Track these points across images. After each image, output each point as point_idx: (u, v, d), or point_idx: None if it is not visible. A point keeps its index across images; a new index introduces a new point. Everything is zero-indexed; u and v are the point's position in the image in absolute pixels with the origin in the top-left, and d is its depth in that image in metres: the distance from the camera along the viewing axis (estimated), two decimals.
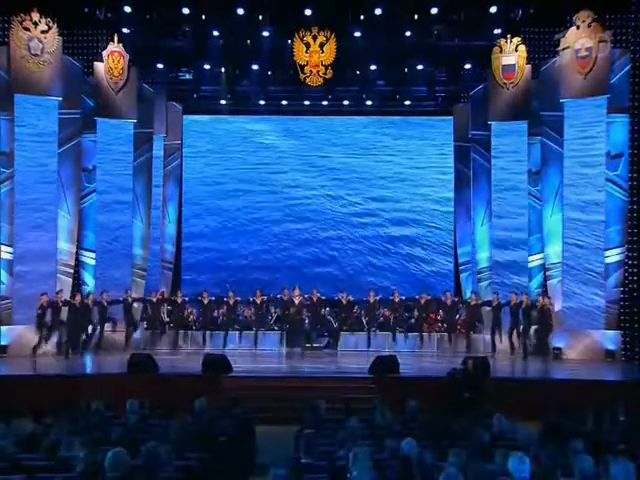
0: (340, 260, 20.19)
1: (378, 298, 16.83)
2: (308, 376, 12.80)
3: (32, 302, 14.72)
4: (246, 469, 8.15)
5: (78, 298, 15.29)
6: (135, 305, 16.25)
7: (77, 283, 16.65)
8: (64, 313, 15.05)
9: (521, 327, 15.39)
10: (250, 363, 14.34)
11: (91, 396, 8.54)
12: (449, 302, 16.50)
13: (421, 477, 5.12)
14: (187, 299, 17.02)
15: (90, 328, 15.46)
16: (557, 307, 15.73)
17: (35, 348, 14.53)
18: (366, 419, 7.62)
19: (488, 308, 15.94)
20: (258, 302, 16.50)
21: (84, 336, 15.40)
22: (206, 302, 16.61)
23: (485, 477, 4.86)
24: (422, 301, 16.51)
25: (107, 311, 15.61)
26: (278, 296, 16.67)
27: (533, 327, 15.44)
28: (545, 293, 16.02)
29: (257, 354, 15.78)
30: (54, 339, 14.96)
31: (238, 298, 16.72)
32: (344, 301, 16.78)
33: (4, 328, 14.88)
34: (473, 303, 16.16)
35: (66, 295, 15.49)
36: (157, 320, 16.41)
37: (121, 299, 15.90)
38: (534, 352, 15.23)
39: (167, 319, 16.85)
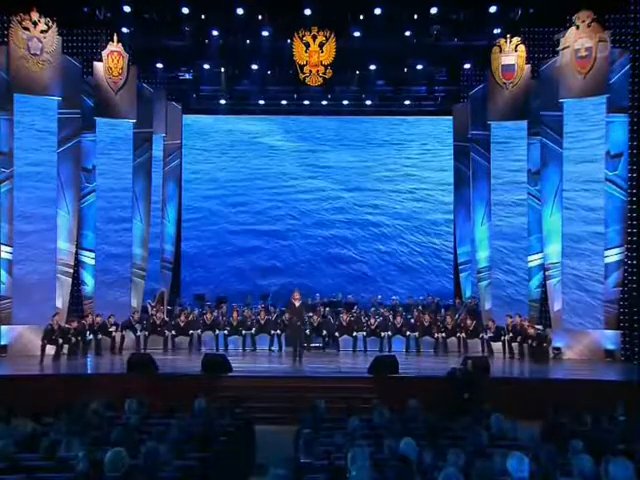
0: (339, 258, 20.21)
1: (380, 297, 16.84)
2: (308, 376, 12.79)
3: (32, 302, 14.75)
4: (246, 469, 8.15)
5: (89, 319, 15.37)
6: (136, 317, 16.16)
7: (77, 294, 16.69)
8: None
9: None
10: (250, 363, 14.32)
11: (91, 396, 8.52)
12: (457, 303, 16.48)
13: (420, 477, 5.12)
14: (188, 305, 17.13)
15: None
16: (557, 307, 15.74)
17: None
18: (366, 419, 7.62)
19: (486, 337, 15.54)
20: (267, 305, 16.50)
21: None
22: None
23: (489, 475, 4.86)
24: (427, 303, 16.38)
25: (108, 329, 15.56)
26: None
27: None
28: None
29: (257, 354, 15.76)
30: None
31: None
32: (348, 301, 16.72)
33: (4, 328, 14.87)
34: (472, 304, 16.10)
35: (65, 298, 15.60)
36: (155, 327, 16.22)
37: (126, 320, 15.83)
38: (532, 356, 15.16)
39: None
